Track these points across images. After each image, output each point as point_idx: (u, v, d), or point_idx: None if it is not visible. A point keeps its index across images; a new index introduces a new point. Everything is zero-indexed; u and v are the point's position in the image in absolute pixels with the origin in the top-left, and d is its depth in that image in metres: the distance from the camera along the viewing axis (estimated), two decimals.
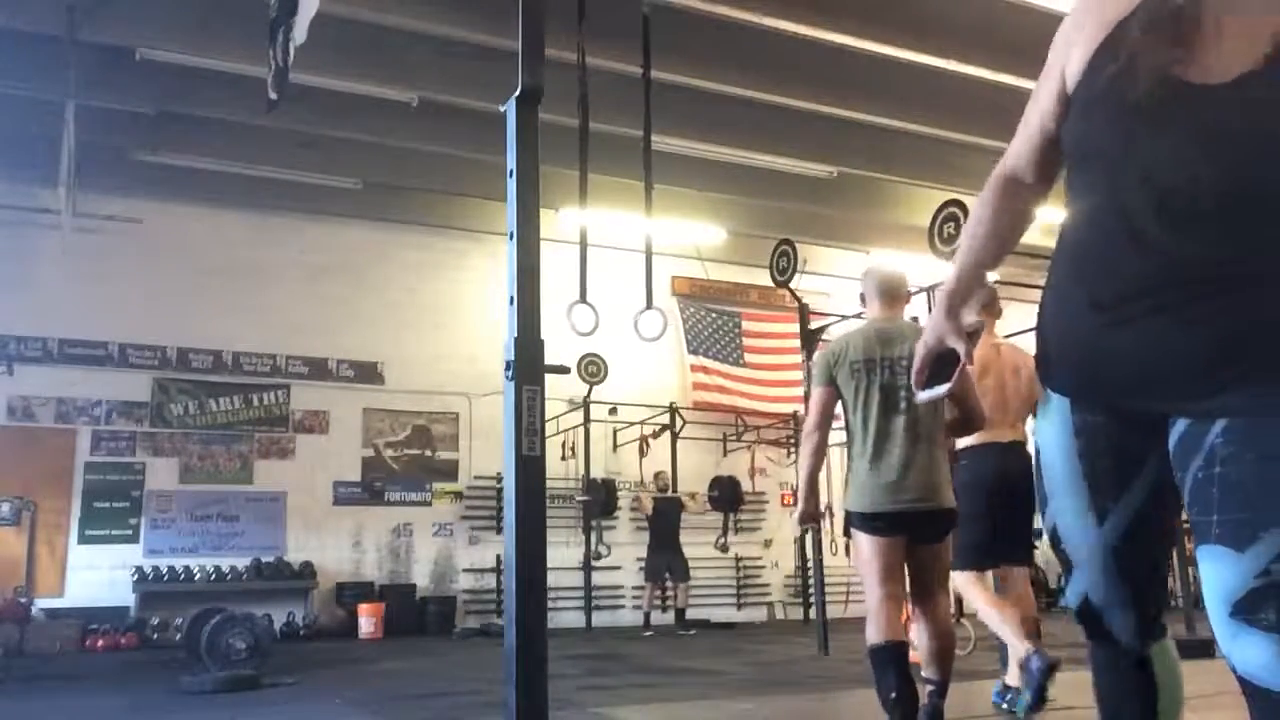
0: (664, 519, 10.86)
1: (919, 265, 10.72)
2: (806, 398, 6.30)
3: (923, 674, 3.59)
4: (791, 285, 8.44)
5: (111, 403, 10.67)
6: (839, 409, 3.63)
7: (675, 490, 11.58)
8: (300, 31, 5.02)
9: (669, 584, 11.08)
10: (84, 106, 7.98)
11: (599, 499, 11.19)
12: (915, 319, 4.36)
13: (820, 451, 3.62)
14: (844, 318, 9.25)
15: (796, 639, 9.10)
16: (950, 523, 3.56)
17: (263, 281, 11.29)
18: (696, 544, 11.60)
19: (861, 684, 5.71)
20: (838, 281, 13.05)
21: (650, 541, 11.01)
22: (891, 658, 3.37)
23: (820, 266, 12.54)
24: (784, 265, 8.41)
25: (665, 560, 10.70)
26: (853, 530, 3.56)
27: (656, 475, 11.53)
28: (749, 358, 13.59)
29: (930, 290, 8.46)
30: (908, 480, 3.39)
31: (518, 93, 2.69)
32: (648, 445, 12.12)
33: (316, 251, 11.59)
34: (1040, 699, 3.74)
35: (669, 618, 11.11)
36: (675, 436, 12.25)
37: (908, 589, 3.65)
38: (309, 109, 8.50)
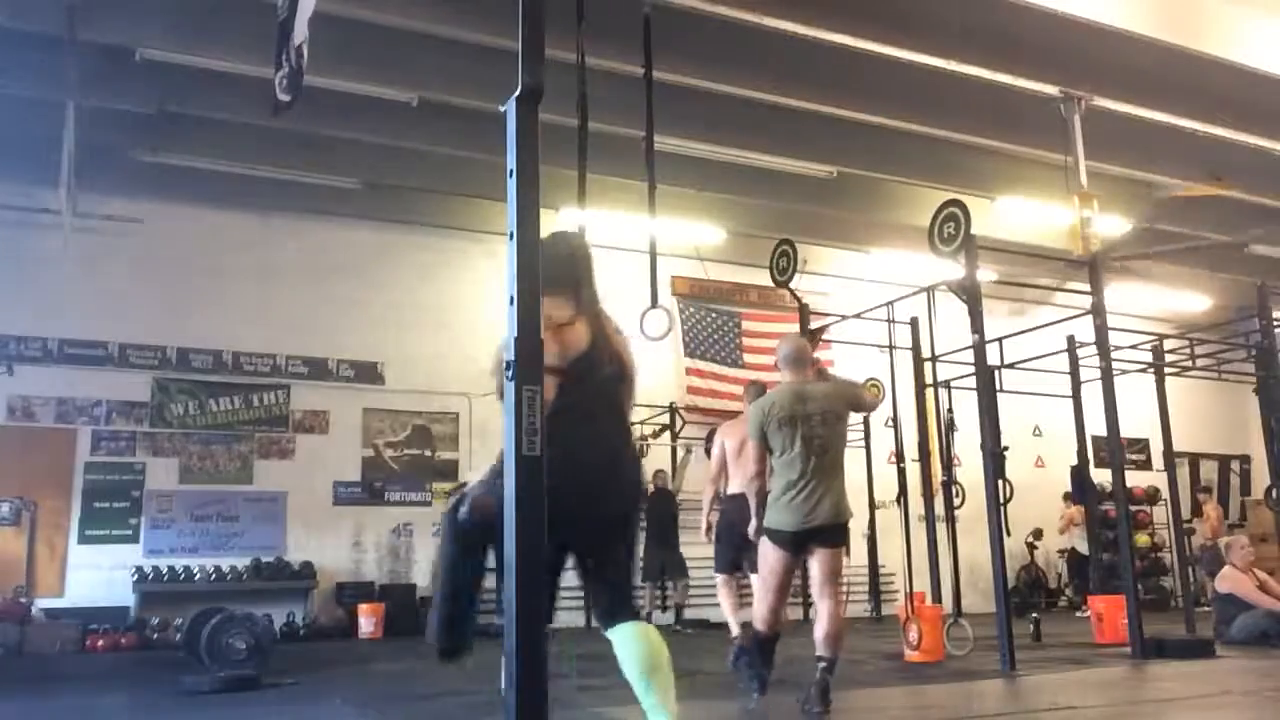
0: (658, 518, 10.82)
1: (919, 265, 10.79)
2: None
3: (817, 652, 4.41)
4: (791, 285, 8.44)
5: (111, 403, 10.67)
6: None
7: (671, 487, 11.54)
8: (300, 30, 5.02)
9: (667, 583, 11.07)
10: (84, 106, 7.98)
11: None
12: (822, 372, 5.23)
13: (765, 486, 4.69)
14: (844, 317, 9.25)
15: (796, 639, 9.08)
16: (847, 531, 4.67)
17: (263, 281, 11.28)
18: (698, 543, 11.57)
19: (862, 684, 5.73)
20: (838, 281, 13.07)
21: (646, 540, 10.99)
22: (771, 647, 4.77)
23: (820, 266, 12.56)
24: (784, 265, 8.41)
25: (660, 558, 10.65)
26: (765, 541, 4.62)
27: (656, 474, 11.50)
28: (749, 358, 13.58)
29: (930, 290, 8.46)
30: (823, 506, 4.50)
31: (518, 93, 2.68)
32: (647, 445, 12.12)
33: (316, 251, 11.58)
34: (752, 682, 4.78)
35: (668, 618, 11.10)
36: (675, 436, 12.25)
37: (813, 582, 4.67)
38: (309, 109, 8.47)
